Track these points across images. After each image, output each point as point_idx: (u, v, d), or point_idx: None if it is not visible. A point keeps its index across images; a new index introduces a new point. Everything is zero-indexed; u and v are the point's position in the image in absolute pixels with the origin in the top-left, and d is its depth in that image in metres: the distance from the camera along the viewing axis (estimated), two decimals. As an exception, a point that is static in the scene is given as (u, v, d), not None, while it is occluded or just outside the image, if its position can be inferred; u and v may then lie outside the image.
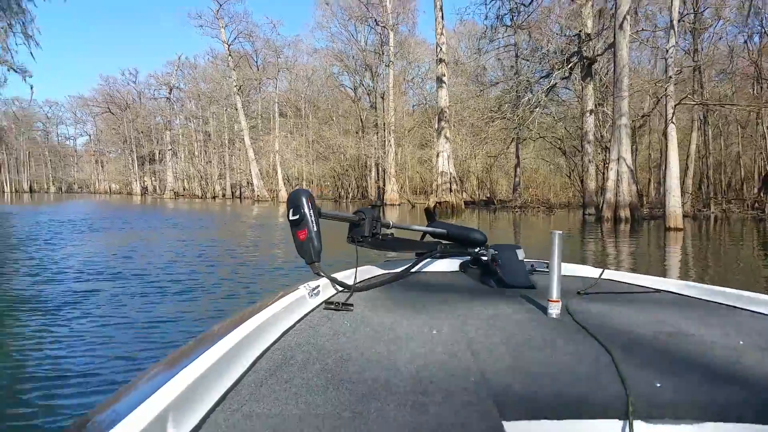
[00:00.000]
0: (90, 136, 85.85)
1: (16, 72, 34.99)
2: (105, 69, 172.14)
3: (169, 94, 62.12)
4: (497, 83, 30.33)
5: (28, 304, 5.16)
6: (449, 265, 2.08)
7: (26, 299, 5.42)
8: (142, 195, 65.92)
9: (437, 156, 26.98)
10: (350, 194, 47.22)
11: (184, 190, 61.77)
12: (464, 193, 31.87)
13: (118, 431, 0.62)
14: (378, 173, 43.25)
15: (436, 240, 2.13)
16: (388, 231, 1.80)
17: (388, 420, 0.78)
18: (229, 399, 0.82)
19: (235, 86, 48.14)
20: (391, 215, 25.84)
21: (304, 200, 1.41)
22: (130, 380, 0.85)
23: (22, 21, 33.15)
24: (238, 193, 54.00)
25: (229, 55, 48.62)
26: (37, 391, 2.93)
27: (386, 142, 38.33)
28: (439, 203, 25.52)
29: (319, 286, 1.48)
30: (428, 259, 2.06)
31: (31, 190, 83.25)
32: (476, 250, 2.02)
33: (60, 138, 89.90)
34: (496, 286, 1.77)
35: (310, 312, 1.35)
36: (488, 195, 36.34)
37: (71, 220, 17.59)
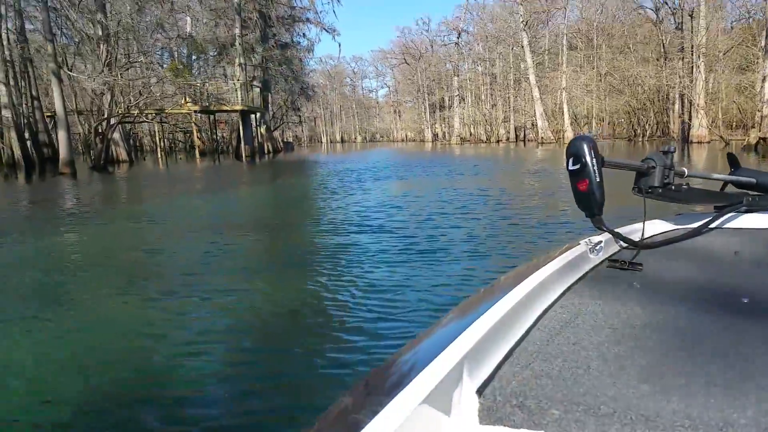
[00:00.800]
0: (389, 87, 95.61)
1: (327, 32, 40.77)
2: (401, 21, 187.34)
3: (458, 38, 64.32)
4: None
5: (311, 254, 5.84)
6: (759, 221, 1.76)
7: (310, 249, 6.12)
8: (432, 141, 70.81)
9: (763, 80, 22.65)
10: (647, 132, 42.78)
11: (470, 135, 64.14)
12: (800, 125, 25.89)
13: (420, 379, 0.64)
14: (683, 106, 38.18)
15: (741, 191, 1.81)
16: (683, 180, 1.58)
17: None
18: (517, 354, 0.80)
19: (522, 22, 47.21)
20: (698, 155, 22.61)
21: (585, 148, 1.29)
22: (420, 332, 0.88)
23: (325, -19, 38.04)
24: (522, 135, 53.74)
25: (516, -11, 47.64)
26: (337, 339, 3.26)
27: (694, 68, 33.71)
28: (763, 139, 21.28)
29: (601, 241, 1.37)
30: (731, 214, 1.76)
31: (342, 140, 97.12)
32: None
33: (364, 91, 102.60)
34: None
35: (592, 269, 1.27)
36: (838, 126, 28.72)
37: (361, 170, 19.66)
